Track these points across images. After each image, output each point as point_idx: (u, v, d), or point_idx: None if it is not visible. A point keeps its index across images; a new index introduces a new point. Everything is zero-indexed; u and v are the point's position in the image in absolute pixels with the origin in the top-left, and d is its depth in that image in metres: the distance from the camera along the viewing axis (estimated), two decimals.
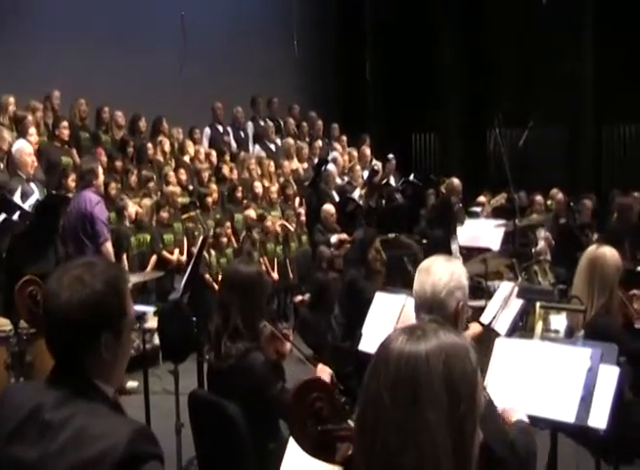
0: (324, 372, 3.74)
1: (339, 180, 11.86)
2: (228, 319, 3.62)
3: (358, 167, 12.35)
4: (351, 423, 1.88)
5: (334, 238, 9.74)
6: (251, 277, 3.71)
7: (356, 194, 11.51)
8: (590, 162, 15.55)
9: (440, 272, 2.91)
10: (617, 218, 9.34)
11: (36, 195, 7.10)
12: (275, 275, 9.95)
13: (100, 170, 7.43)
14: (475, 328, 2.89)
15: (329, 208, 10.13)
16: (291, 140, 12.40)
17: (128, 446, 1.78)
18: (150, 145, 10.06)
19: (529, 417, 2.95)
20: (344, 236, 9.68)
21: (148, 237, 8.75)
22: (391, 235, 9.48)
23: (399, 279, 5.97)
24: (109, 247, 7.23)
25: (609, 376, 3.30)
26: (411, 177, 12.47)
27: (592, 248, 4.36)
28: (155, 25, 11.29)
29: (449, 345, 1.53)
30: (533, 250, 9.68)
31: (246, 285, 3.67)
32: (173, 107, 10.85)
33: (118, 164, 9.33)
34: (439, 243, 8.51)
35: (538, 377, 3.15)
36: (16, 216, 6.56)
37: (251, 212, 9.88)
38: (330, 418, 1.87)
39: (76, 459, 1.79)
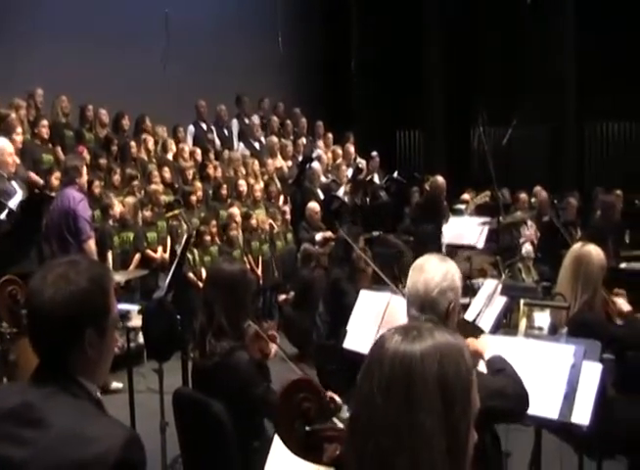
0: None
1: (323, 178, 11.85)
2: (212, 317, 3.61)
3: (344, 166, 12.35)
4: (337, 421, 1.88)
5: (318, 236, 9.74)
6: (236, 276, 3.71)
7: (341, 192, 11.52)
8: (573, 160, 15.64)
9: (434, 271, 2.91)
10: (601, 216, 9.40)
11: (19, 195, 7.06)
12: (259, 273, 9.93)
13: (84, 169, 7.39)
14: (481, 343, 2.88)
15: (314, 205, 10.12)
16: (275, 138, 12.38)
17: (122, 452, 1.79)
18: (133, 143, 10.02)
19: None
20: (329, 234, 9.68)
21: (131, 235, 8.71)
22: (376, 233, 9.51)
23: (388, 277, 5.97)
24: (92, 245, 7.19)
25: (592, 373, 3.32)
26: (395, 174, 12.50)
27: (577, 246, 4.38)
28: (138, 23, 11.23)
29: (444, 345, 1.52)
30: (521, 240, 9.73)
31: (230, 283, 3.67)
32: (157, 105, 10.81)
33: (102, 162, 9.30)
34: (429, 239, 8.53)
35: (522, 374, 3.16)
36: (3, 215, 6.51)
37: (235, 210, 9.86)
38: (317, 418, 1.86)
39: (69, 458, 1.79)
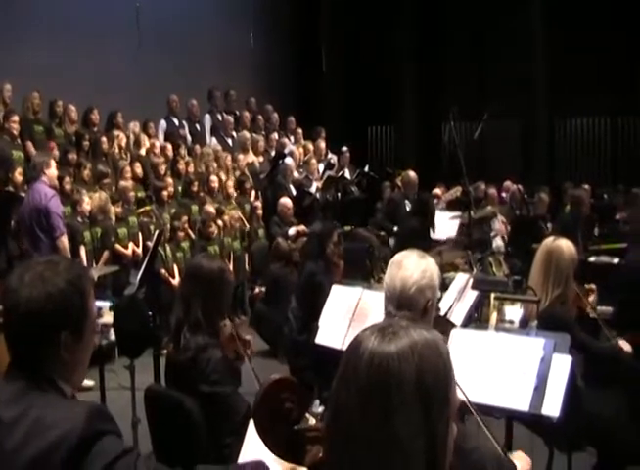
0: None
1: (296, 174, 11.84)
2: (189, 312, 3.61)
3: (314, 161, 12.35)
4: (308, 416, 1.87)
5: (292, 230, 9.74)
6: (214, 273, 3.69)
7: (313, 188, 11.52)
8: (543, 155, 15.77)
9: (412, 268, 2.89)
10: (570, 211, 9.47)
11: None
12: (231, 269, 9.89)
13: (53, 163, 7.32)
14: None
15: (286, 201, 10.12)
16: (247, 133, 12.34)
17: (86, 426, 1.78)
18: (104, 139, 9.94)
19: (485, 407, 2.97)
20: (302, 227, 9.68)
21: (100, 231, 8.65)
22: (349, 228, 9.52)
23: (359, 272, 5.99)
24: (64, 241, 7.14)
25: (562, 365, 3.35)
26: (366, 169, 12.53)
27: (549, 240, 4.41)
28: (109, 18, 11.14)
29: (421, 343, 1.48)
30: (492, 234, 9.80)
31: (208, 280, 3.65)
32: (128, 100, 10.75)
33: (72, 157, 9.20)
34: (415, 235, 8.54)
35: (493, 367, 3.19)
36: None
37: (210, 207, 9.82)
38: (299, 419, 1.84)
39: (36, 450, 1.78)
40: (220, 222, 9.97)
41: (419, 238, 8.08)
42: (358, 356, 1.48)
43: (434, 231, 8.76)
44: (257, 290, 9.19)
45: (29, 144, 9.11)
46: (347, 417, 1.45)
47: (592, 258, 7.48)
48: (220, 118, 12.44)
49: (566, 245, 4.31)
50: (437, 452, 1.46)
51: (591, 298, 4.56)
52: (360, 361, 1.47)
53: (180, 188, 10.32)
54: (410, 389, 1.43)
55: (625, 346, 4.46)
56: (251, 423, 2.66)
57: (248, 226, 10.49)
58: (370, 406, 1.43)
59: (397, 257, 2.99)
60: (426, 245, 7.50)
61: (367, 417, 1.43)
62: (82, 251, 8.21)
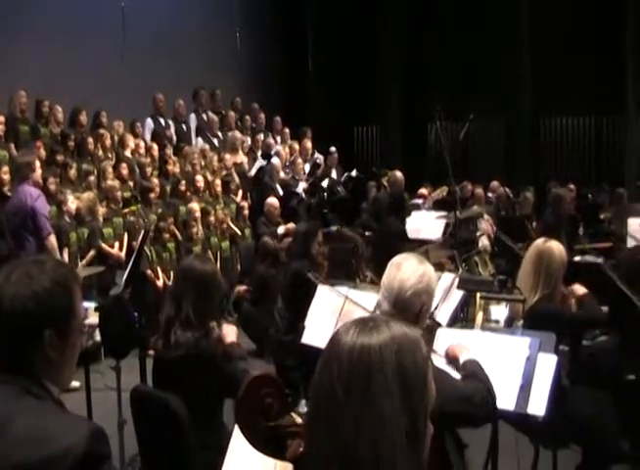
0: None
1: (282, 174, 11.84)
2: (180, 310, 3.62)
3: (300, 161, 12.35)
4: (295, 416, 1.88)
5: (281, 229, 9.74)
6: (207, 275, 3.72)
7: (300, 188, 11.52)
8: (529, 154, 15.84)
9: (411, 272, 2.91)
10: (551, 210, 9.51)
11: None
12: (219, 270, 9.86)
13: (37, 164, 7.29)
14: (458, 347, 2.90)
15: (273, 201, 10.11)
16: (237, 133, 12.31)
17: (87, 446, 1.77)
18: (90, 139, 9.90)
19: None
20: (292, 225, 9.66)
21: (87, 231, 8.62)
22: (334, 228, 9.52)
23: (343, 272, 5.99)
24: (53, 241, 7.12)
25: (547, 364, 3.36)
26: (353, 173, 12.54)
27: (539, 241, 4.43)
28: (95, 18, 11.11)
29: (401, 335, 1.53)
30: (478, 234, 9.83)
31: (200, 281, 3.68)
32: (114, 99, 10.71)
33: (59, 157, 9.16)
34: (393, 235, 8.56)
35: None
36: None
37: (194, 206, 9.79)
38: (280, 414, 1.86)
39: (32, 459, 1.75)
40: (207, 222, 9.94)
41: (398, 238, 8.11)
42: (340, 347, 1.53)
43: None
44: (239, 288, 9.19)
45: (14, 144, 9.06)
46: (331, 399, 1.49)
47: (577, 258, 7.51)
48: (205, 118, 12.41)
49: (557, 247, 4.34)
50: (417, 436, 1.51)
51: (576, 285, 4.56)
52: (342, 352, 1.52)
53: (168, 188, 10.29)
54: (391, 376, 1.48)
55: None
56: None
57: (238, 232, 10.44)
58: (353, 388, 1.48)
59: (398, 258, 3.02)
60: (403, 245, 7.53)
61: (350, 397, 1.48)
62: (65, 252, 8.17)
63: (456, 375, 2.89)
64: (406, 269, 2.92)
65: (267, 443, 1.86)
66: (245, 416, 1.87)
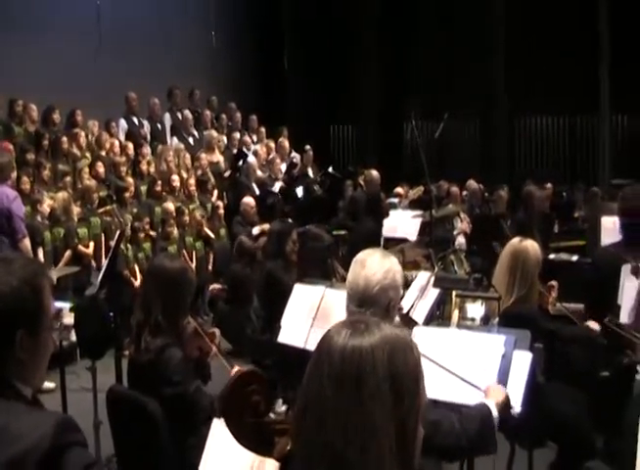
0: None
1: (259, 173, 11.82)
2: (150, 314, 3.58)
3: (278, 160, 12.34)
4: (272, 415, 1.88)
5: (256, 229, 9.71)
6: (176, 273, 3.66)
7: (276, 187, 11.51)
8: (504, 153, 15.94)
9: (375, 268, 2.88)
10: (523, 208, 9.57)
11: None
12: (193, 269, 9.83)
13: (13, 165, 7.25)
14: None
15: (249, 200, 10.08)
16: (214, 132, 12.27)
17: (54, 437, 1.74)
18: (65, 138, 9.83)
19: (442, 403, 2.99)
20: (267, 226, 9.64)
21: (62, 231, 8.56)
22: (308, 227, 9.50)
23: (317, 271, 5.98)
24: (27, 243, 7.06)
25: (522, 361, 3.38)
26: (330, 169, 12.54)
27: (515, 241, 4.45)
28: (69, 16, 11.03)
29: (392, 338, 1.53)
30: (455, 232, 9.88)
31: (170, 281, 3.62)
32: (89, 98, 10.65)
33: (30, 157, 9.08)
34: (369, 234, 8.57)
35: (455, 364, 3.21)
36: None
37: (170, 205, 9.75)
38: (267, 411, 1.86)
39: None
40: (182, 221, 9.89)
41: (372, 238, 8.12)
42: (331, 349, 1.52)
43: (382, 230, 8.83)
44: (213, 287, 9.16)
45: None
46: (321, 406, 1.49)
47: (552, 256, 7.56)
48: (180, 117, 12.35)
49: (532, 246, 4.36)
50: (407, 439, 1.51)
51: (553, 294, 4.61)
52: (333, 353, 1.51)
53: (143, 188, 10.23)
54: (382, 378, 1.48)
55: (594, 325, 4.53)
56: (214, 422, 2.68)
57: (212, 236, 10.39)
58: (344, 394, 1.47)
59: (361, 255, 2.98)
60: (378, 245, 7.54)
61: (341, 399, 1.47)
62: (40, 252, 8.11)
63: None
64: (371, 265, 2.89)
65: (255, 439, 1.85)
66: (231, 412, 1.86)
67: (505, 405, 2.81)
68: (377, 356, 1.49)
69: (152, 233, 9.58)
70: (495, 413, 2.75)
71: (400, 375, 1.50)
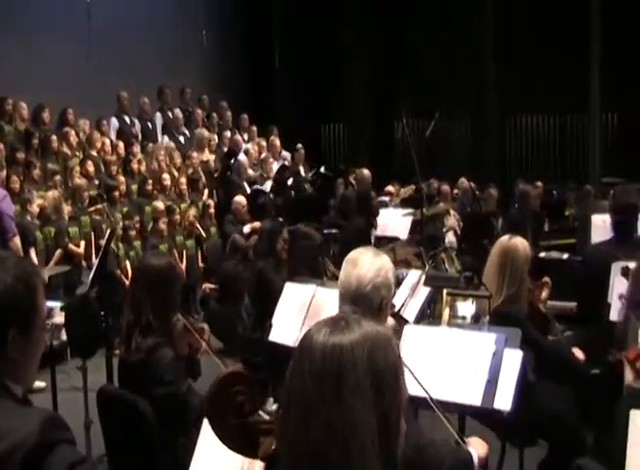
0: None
1: (251, 171, 11.81)
2: (140, 314, 3.56)
3: (271, 159, 12.34)
4: (262, 414, 1.87)
5: (246, 228, 9.71)
6: (163, 270, 3.64)
7: (267, 186, 11.50)
8: (495, 152, 15.98)
9: (367, 266, 2.86)
10: (518, 206, 9.58)
11: None
12: (184, 268, 9.81)
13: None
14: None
15: (240, 199, 10.07)
16: (204, 131, 12.26)
17: (40, 434, 1.73)
18: (55, 137, 9.80)
19: (438, 402, 3.00)
20: (257, 224, 9.64)
21: (53, 230, 8.54)
22: (298, 225, 9.51)
23: (307, 269, 5.99)
24: (17, 242, 7.05)
25: (513, 360, 3.39)
26: (322, 169, 12.54)
27: (504, 239, 4.44)
28: (60, 14, 11.00)
29: (372, 334, 1.54)
30: (444, 230, 9.89)
31: (157, 278, 3.61)
32: (80, 97, 10.62)
33: (20, 156, 9.05)
34: (360, 233, 8.58)
35: (446, 362, 3.22)
36: None
37: (160, 204, 9.73)
38: (252, 412, 1.85)
39: None
40: (172, 220, 9.87)
41: (362, 237, 8.13)
42: (312, 346, 1.53)
43: (375, 229, 8.83)
44: (206, 286, 9.15)
45: None
46: (303, 402, 1.50)
47: (542, 254, 7.59)
48: (171, 115, 12.34)
49: (521, 243, 4.36)
50: (389, 435, 1.52)
51: (545, 292, 4.61)
52: (314, 351, 1.52)
53: (134, 187, 10.22)
54: (363, 374, 1.49)
55: (578, 354, 4.52)
56: (205, 422, 2.67)
57: (204, 234, 10.38)
58: (325, 390, 1.48)
59: (353, 254, 2.97)
60: (369, 243, 7.55)
61: (323, 400, 1.48)
62: (32, 251, 8.09)
63: None
64: (363, 264, 2.88)
65: (239, 440, 1.84)
66: (215, 413, 1.85)
67: (485, 461, 2.79)
68: (357, 353, 1.50)
69: (142, 232, 9.54)
70: (476, 461, 2.73)
71: (381, 371, 1.51)
